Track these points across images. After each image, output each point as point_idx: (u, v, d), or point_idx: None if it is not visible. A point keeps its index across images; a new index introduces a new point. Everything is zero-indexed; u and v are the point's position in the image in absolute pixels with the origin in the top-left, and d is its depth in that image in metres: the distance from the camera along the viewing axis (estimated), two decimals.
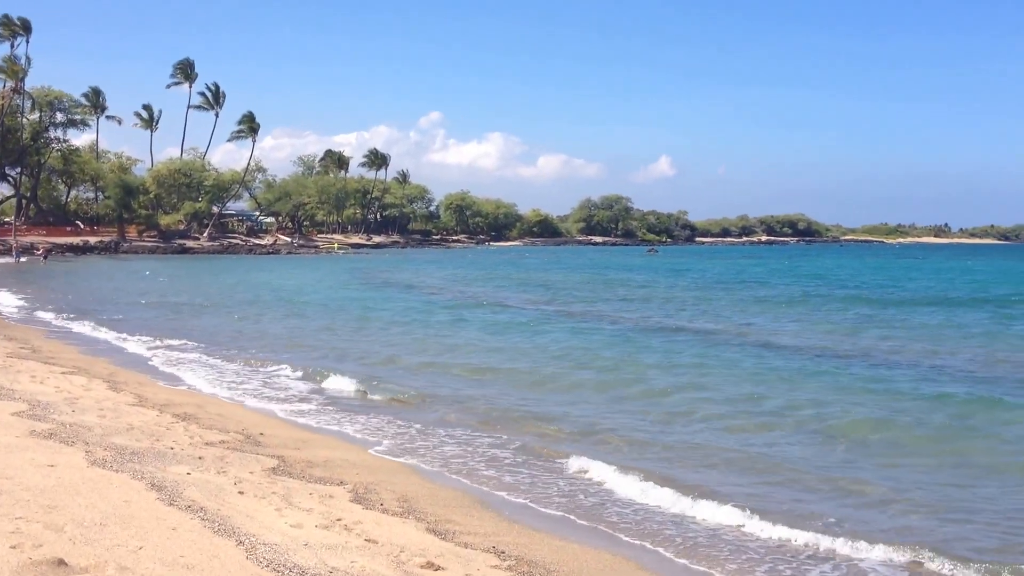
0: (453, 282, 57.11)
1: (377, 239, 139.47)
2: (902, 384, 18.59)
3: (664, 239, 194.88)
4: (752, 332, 28.47)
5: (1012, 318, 33.02)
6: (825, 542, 9.37)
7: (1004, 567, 8.65)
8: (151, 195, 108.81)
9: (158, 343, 24.62)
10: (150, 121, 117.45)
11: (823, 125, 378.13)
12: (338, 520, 9.27)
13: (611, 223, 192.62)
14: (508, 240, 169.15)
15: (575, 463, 12.31)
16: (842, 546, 9.26)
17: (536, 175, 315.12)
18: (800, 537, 9.52)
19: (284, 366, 20.48)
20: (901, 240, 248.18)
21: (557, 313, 35.79)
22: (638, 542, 9.57)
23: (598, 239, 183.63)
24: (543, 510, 10.57)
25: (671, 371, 20.29)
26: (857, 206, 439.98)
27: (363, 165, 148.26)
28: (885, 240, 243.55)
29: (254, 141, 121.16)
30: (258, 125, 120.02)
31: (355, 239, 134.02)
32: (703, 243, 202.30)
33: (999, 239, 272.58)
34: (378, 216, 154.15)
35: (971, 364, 21.82)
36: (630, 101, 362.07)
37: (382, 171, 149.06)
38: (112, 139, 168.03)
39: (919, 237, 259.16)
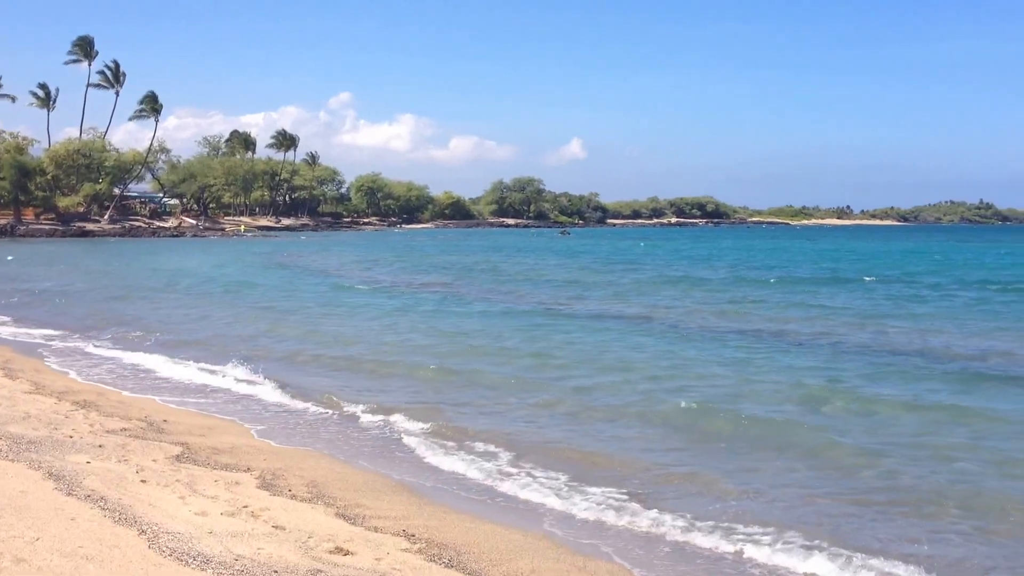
0: (362, 265, 56.64)
1: (286, 222, 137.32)
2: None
3: (576, 221, 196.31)
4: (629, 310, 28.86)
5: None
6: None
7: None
8: (48, 176, 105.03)
9: (53, 332, 23.89)
10: (47, 100, 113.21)
11: (733, 109, 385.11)
12: (244, 507, 9.11)
13: (523, 205, 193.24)
14: (420, 223, 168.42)
15: (482, 446, 12.32)
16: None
17: (448, 157, 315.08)
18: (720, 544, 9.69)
19: (188, 353, 20.07)
20: (805, 222, 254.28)
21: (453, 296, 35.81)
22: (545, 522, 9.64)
23: (511, 221, 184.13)
24: (458, 492, 10.54)
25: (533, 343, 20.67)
26: (764, 189, 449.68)
27: (271, 146, 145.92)
28: (790, 222, 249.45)
29: (157, 121, 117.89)
30: (161, 105, 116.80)
31: (263, 222, 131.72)
32: (614, 225, 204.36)
33: (898, 220, 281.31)
34: (287, 198, 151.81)
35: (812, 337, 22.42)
36: (543, 83, 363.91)
37: (291, 152, 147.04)
38: (7, 118, 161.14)
39: (823, 219, 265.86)
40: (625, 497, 10.23)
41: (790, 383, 16.39)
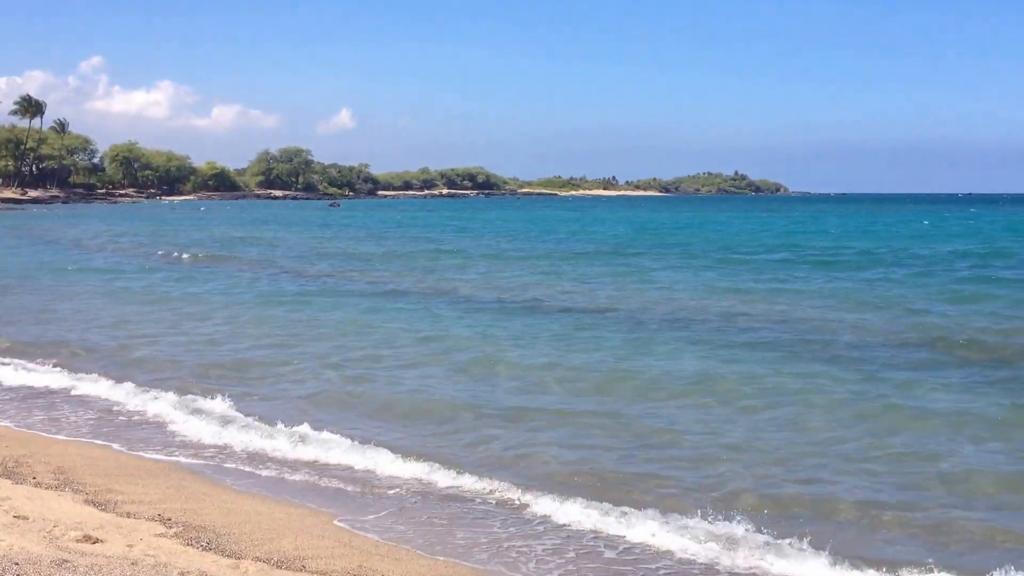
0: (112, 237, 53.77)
1: (33, 193, 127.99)
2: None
3: (346, 192, 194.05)
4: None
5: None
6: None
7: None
8: None
9: None
10: None
11: (503, 82, 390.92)
12: None
13: (291, 176, 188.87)
14: (182, 194, 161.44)
15: (243, 419, 12.08)
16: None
17: (211, 126, 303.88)
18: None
19: None
20: (573, 192, 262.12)
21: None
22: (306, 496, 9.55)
23: (278, 193, 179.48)
24: (221, 474, 10.25)
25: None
26: (533, 160, 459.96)
27: (15, 113, 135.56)
28: (559, 192, 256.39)
29: None
30: None
31: (7, 193, 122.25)
32: (385, 196, 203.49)
33: (661, 191, 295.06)
34: (34, 169, 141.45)
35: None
36: (310, 50, 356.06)
37: (37, 120, 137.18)
38: None
39: (590, 190, 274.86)
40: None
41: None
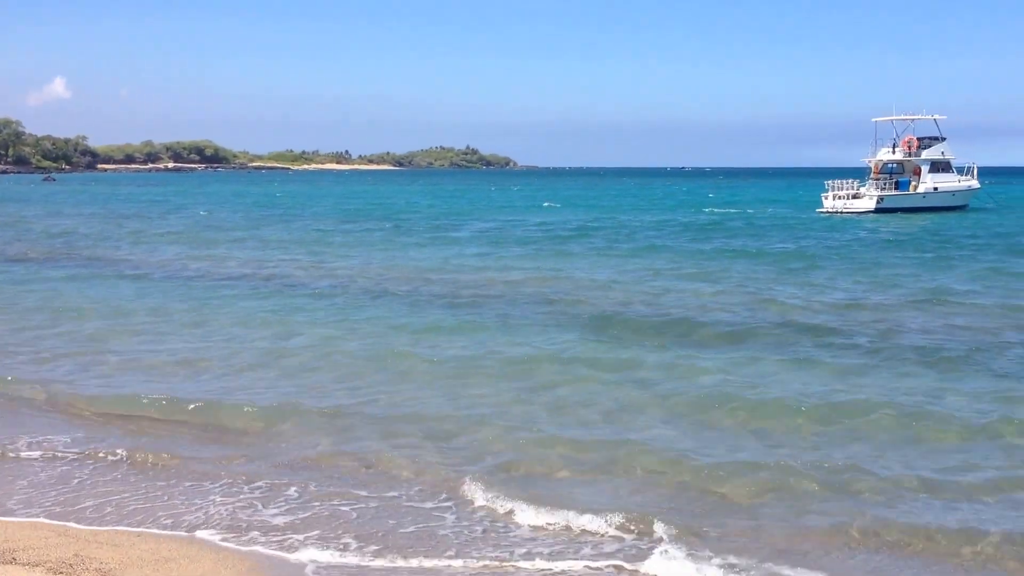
0: None
1: None
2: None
3: (63, 166, 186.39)
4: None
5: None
6: None
7: None
8: None
9: None
10: None
11: (231, 51, 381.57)
12: None
13: (1, 149, 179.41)
14: None
15: None
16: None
17: None
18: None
19: None
20: (306, 166, 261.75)
21: None
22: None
23: None
24: None
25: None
26: (266, 133, 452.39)
27: None
28: (291, 167, 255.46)
29: None
30: None
31: None
32: (106, 170, 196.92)
33: (394, 165, 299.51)
34: None
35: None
36: (16, 16, 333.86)
37: None
38: None
39: (323, 164, 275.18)
40: None
41: None
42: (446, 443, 10.47)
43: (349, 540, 7.90)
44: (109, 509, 8.61)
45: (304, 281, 24.88)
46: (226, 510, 8.61)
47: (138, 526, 8.20)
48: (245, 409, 11.71)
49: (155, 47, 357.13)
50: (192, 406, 11.91)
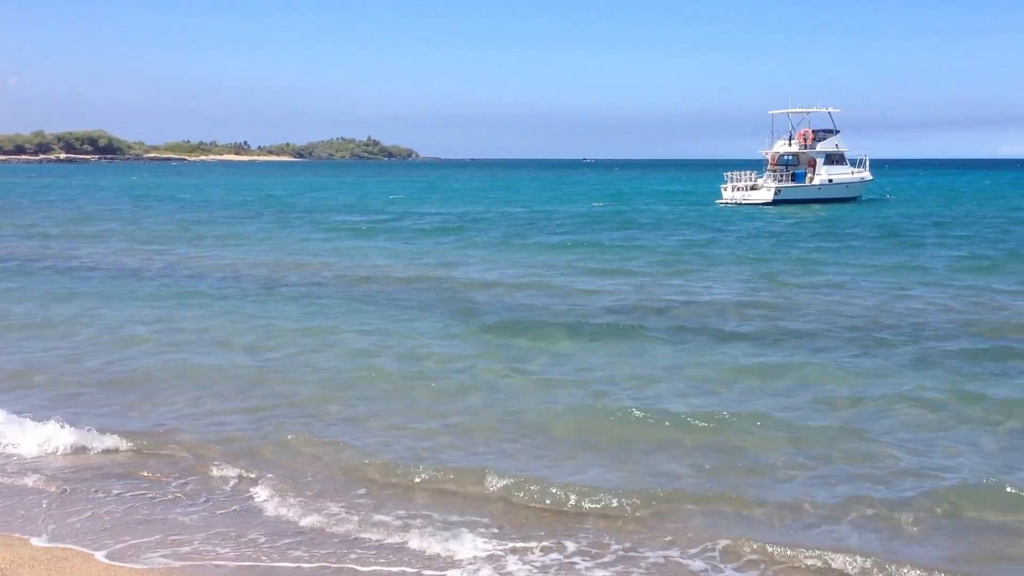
0: None
1: None
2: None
3: None
4: None
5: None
6: None
7: None
8: None
9: None
10: None
11: (124, 37, 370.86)
12: None
13: None
14: None
15: None
16: None
17: None
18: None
19: None
20: (204, 157, 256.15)
21: None
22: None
23: None
24: None
25: None
26: (161, 123, 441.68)
27: None
28: (188, 157, 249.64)
29: None
30: None
31: None
32: None
33: (294, 156, 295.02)
34: None
35: None
36: None
37: None
38: None
39: (221, 155, 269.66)
40: None
41: None
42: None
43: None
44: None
45: None
46: None
47: None
48: None
49: (46, 34, 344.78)
50: None
